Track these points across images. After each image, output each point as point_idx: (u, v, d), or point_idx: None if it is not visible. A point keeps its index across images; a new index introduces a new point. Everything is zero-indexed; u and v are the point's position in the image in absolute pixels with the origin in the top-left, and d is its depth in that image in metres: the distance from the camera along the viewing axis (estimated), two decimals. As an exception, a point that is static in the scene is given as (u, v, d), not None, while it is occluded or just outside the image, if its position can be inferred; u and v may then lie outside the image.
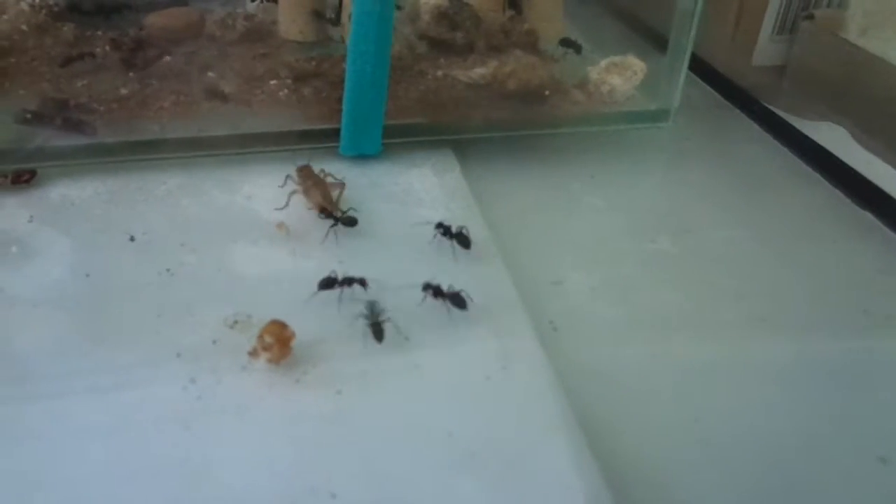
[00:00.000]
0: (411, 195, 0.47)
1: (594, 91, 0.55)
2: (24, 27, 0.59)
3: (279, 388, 0.33)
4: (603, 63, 0.56)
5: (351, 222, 0.43)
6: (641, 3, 0.72)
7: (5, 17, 0.60)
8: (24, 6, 0.60)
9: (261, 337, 0.34)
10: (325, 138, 0.51)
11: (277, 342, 0.33)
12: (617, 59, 0.56)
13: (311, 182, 0.45)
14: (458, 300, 0.36)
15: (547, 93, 0.53)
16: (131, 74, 0.56)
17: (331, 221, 0.42)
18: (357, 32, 0.45)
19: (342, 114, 0.48)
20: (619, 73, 0.54)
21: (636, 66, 0.55)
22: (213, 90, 0.54)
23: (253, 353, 0.34)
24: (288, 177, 0.46)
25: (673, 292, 0.38)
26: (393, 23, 0.45)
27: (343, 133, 0.49)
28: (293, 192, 0.45)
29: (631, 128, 0.55)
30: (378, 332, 0.35)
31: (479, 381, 0.33)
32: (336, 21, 0.63)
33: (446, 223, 0.41)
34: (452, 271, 0.40)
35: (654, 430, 0.33)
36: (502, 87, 0.54)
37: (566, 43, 0.60)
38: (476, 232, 0.43)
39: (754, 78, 0.70)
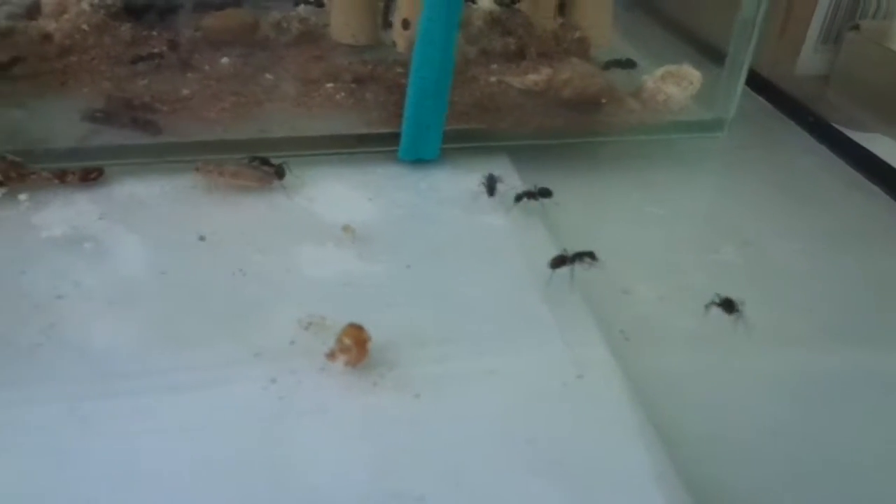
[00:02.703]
0: (472, 201, 0.47)
1: (649, 100, 0.55)
2: (84, 26, 0.60)
3: (358, 391, 0.33)
4: (658, 72, 0.56)
5: (281, 172, 0.47)
6: (689, 11, 0.72)
7: (66, 16, 0.60)
8: (85, 6, 0.61)
9: (340, 339, 0.34)
10: (384, 142, 0.51)
11: (356, 345, 0.34)
12: (672, 68, 0.56)
13: (230, 167, 0.47)
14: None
15: (604, 101, 0.53)
16: (189, 75, 0.57)
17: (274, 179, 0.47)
18: (423, 39, 0.45)
19: (403, 118, 0.49)
20: (676, 83, 0.54)
21: (692, 75, 0.55)
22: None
23: (331, 356, 0.34)
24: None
25: (741, 304, 0.38)
26: (458, 30, 0.46)
27: (403, 137, 0.49)
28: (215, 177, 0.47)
29: (686, 137, 0.55)
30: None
31: (555, 389, 0.34)
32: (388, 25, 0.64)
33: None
34: (519, 277, 0.41)
35: (732, 442, 0.33)
36: (558, 94, 0.54)
37: (628, 63, 0.60)
38: (539, 239, 0.44)
39: (798, 87, 0.70)
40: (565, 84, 0.54)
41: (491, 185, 0.46)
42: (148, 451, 0.30)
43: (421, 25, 0.45)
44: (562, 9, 0.67)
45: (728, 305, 0.37)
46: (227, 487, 0.29)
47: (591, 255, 0.39)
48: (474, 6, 0.63)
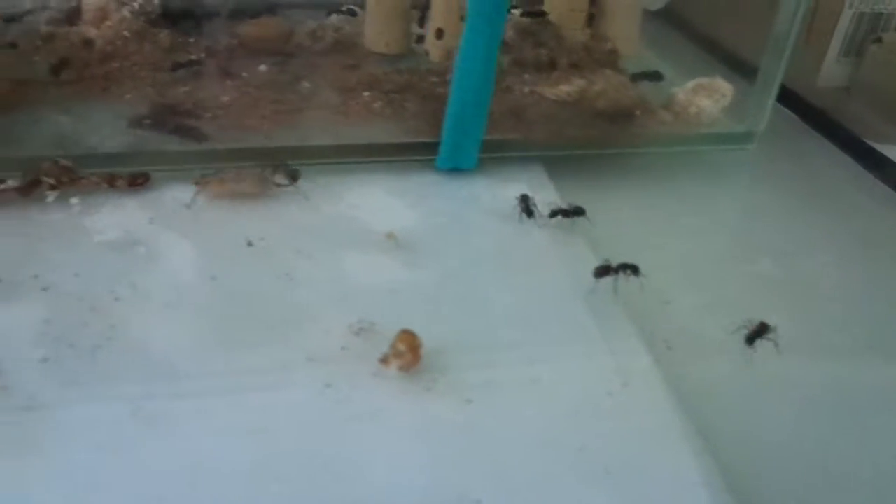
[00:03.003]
0: (512, 210, 0.48)
1: (681, 112, 0.56)
2: (126, 33, 0.61)
3: (412, 396, 0.34)
4: (689, 84, 0.57)
5: (295, 175, 0.48)
6: (715, 23, 0.73)
7: (108, 23, 0.62)
8: (127, 13, 0.62)
9: (393, 345, 0.35)
10: (421, 151, 0.52)
11: (410, 351, 0.35)
12: (704, 80, 0.57)
13: (230, 174, 0.47)
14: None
15: (638, 113, 0.54)
16: (228, 82, 0.58)
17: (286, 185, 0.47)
18: (466, 51, 0.46)
19: (443, 128, 0.50)
20: (708, 96, 0.55)
21: (724, 88, 0.56)
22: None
23: (384, 361, 0.35)
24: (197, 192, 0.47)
25: (779, 315, 0.39)
26: (500, 42, 0.47)
27: (443, 147, 0.50)
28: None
29: (717, 149, 0.56)
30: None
31: (601, 397, 0.35)
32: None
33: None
34: (560, 286, 0.42)
35: (772, 449, 0.34)
36: (591, 105, 0.55)
37: (655, 76, 0.61)
38: (579, 249, 0.45)
39: (820, 98, 0.71)
40: (599, 95, 0.55)
41: (528, 208, 0.47)
42: (211, 452, 0.31)
43: (464, 38, 0.46)
44: (590, 20, 0.68)
45: (751, 338, 0.38)
46: (289, 489, 0.30)
47: (634, 269, 0.40)
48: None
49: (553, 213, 0.47)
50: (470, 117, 0.49)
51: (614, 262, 0.40)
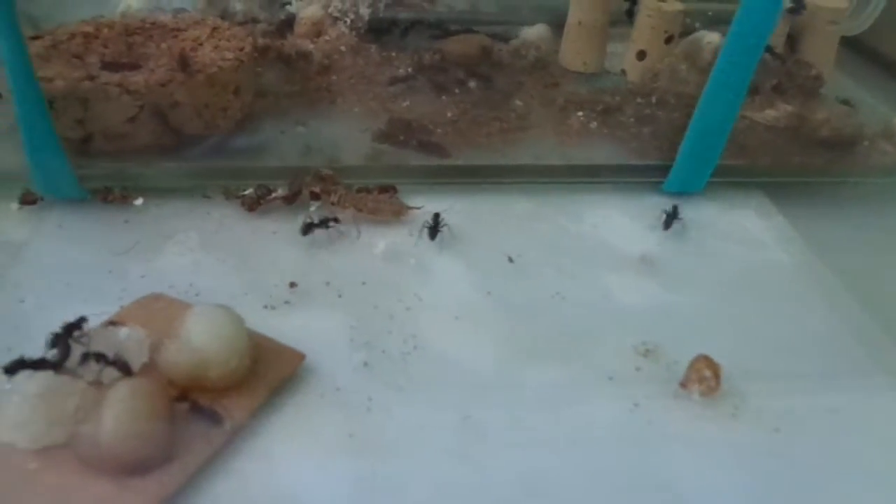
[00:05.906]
0: (748, 237, 0.49)
1: (905, 142, 0.56)
2: (342, 48, 0.64)
3: (719, 421, 0.35)
4: (910, 114, 0.57)
5: None
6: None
7: (326, 37, 0.65)
8: (343, 28, 0.65)
9: (695, 369, 0.36)
10: (648, 173, 0.53)
11: (714, 376, 0.36)
12: (926, 111, 0.57)
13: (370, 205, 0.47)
14: None
15: (866, 143, 0.54)
16: (443, 98, 0.61)
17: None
18: (718, 80, 0.47)
19: (679, 151, 0.51)
20: (935, 127, 0.55)
21: (951, 120, 0.55)
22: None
23: (685, 384, 0.36)
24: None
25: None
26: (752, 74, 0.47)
27: (676, 170, 0.51)
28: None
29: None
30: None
31: (907, 433, 0.35)
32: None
33: None
34: (822, 317, 0.42)
35: None
36: (814, 133, 0.55)
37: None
38: (825, 278, 0.45)
39: None
40: (822, 124, 0.55)
41: None
42: (542, 464, 0.33)
43: (718, 66, 0.47)
44: (790, 44, 0.68)
45: None
46: None
47: None
48: (706, 41, 0.64)
49: None
50: (711, 143, 0.49)
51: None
